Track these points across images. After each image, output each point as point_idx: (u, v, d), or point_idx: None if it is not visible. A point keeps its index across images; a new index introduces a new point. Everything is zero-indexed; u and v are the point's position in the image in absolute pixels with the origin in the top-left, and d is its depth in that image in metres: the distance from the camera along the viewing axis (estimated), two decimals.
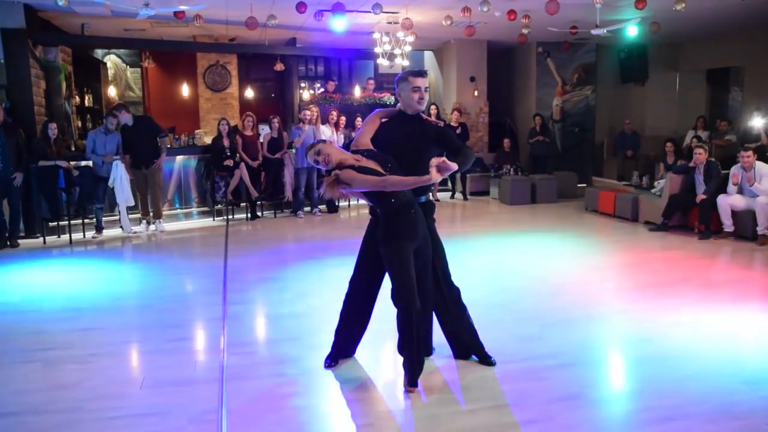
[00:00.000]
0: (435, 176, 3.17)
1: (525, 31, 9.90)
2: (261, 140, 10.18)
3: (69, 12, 9.41)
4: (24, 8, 8.94)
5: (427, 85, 3.81)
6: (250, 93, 15.45)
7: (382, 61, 11.16)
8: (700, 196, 8.11)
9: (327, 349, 4.15)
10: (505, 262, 7.03)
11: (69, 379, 3.99)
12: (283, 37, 12.44)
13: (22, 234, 8.63)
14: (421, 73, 3.77)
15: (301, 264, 7.21)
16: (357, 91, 12.99)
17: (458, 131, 11.50)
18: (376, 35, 10.71)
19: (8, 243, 8.17)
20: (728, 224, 7.94)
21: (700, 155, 8.27)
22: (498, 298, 5.53)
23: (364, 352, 4.27)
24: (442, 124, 3.98)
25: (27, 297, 5.96)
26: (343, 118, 10.54)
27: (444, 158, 3.19)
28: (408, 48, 11.00)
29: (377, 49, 10.90)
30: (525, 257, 7.23)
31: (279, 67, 12.82)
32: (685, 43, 14.21)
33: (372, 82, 12.93)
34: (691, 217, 8.50)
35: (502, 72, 14.41)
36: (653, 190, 9.25)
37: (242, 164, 9.67)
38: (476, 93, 13.29)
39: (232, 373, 3.97)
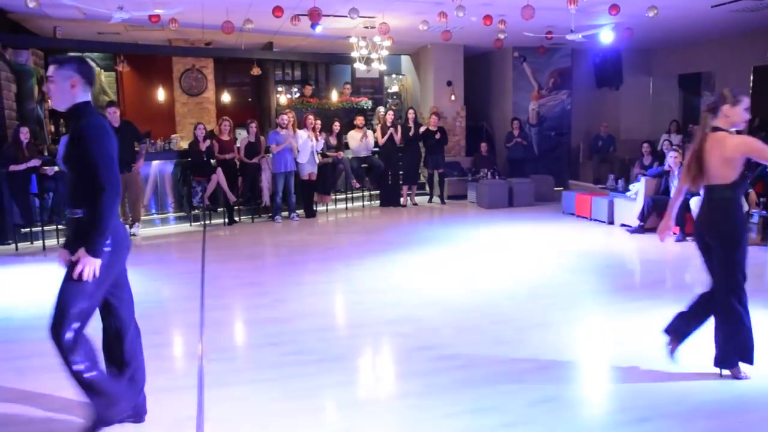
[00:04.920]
0: None
1: (501, 35, 9.97)
2: (238, 145, 10.12)
3: (41, 15, 9.27)
4: None
5: None
6: (226, 97, 15.37)
7: (359, 66, 11.17)
8: None
9: (308, 354, 4.13)
10: (482, 265, 7.06)
11: (43, 388, 3.92)
12: (260, 41, 12.39)
13: None
14: None
15: (279, 269, 7.19)
16: (334, 96, 12.98)
17: (437, 136, 11.55)
18: (353, 40, 10.72)
19: None
20: None
21: (675, 158, 8.38)
22: (475, 302, 5.55)
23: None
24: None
25: (1, 306, 5.86)
26: (318, 123, 10.51)
27: None
28: (385, 52, 11.03)
29: (354, 54, 10.92)
30: (502, 260, 7.28)
31: (255, 71, 12.77)
32: (658, 49, 14.44)
33: (349, 86, 12.94)
34: None
35: (479, 76, 14.51)
36: (629, 193, 9.37)
37: (219, 169, 9.61)
38: (453, 97, 13.35)
39: (211, 380, 3.93)
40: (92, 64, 14.59)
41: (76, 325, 3.01)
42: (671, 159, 8.46)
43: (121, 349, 3.31)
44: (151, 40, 12.40)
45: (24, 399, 3.74)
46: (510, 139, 12.84)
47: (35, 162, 8.41)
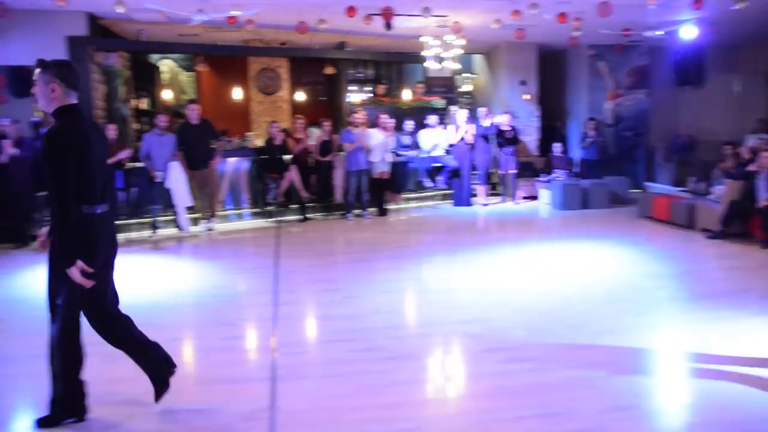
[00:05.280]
0: None
1: (576, 33, 9.76)
2: (312, 142, 10.30)
3: (127, 19, 9.71)
4: (86, 16, 9.31)
5: None
6: (300, 96, 15.64)
7: (431, 65, 11.16)
8: (763, 202, 7.84)
9: (379, 352, 4.17)
10: (555, 267, 6.93)
11: (125, 373, 4.10)
12: (333, 40, 12.56)
13: None
14: None
15: (350, 266, 7.28)
16: (406, 95, 13.01)
17: (510, 135, 11.42)
18: (425, 39, 10.71)
19: None
20: None
21: (767, 158, 7.95)
22: (548, 304, 5.46)
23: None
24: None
25: None
26: (392, 122, 10.57)
27: None
28: (458, 51, 10.97)
29: (426, 53, 10.91)
30: (576, 263, 7.12)
31: (329, 70, 12.97)
32: (745, 45, 13.77)
33: (421, 85, 12.92)
34: (751, 225, 8.20)
35: (553, 75, 14.21)
36: (710, 197, 8.99)
37: (293, 166, 9.81)
38: (527, 96, 13.15)
39: (283, 373, 4.03)
40: (173, 64, 15.12)
41: None
42: (763, 159, 8.01)
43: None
44: (228, 41, 12.76)
45: (110, 381, 3.94)
46: (584, 139, 12.54)
47: (127, 153, 8.80)
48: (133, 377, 3.99)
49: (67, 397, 3.37)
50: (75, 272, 3.13)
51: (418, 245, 8.30)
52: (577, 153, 13.03)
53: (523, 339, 4.61)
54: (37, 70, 3.28)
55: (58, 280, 3.26)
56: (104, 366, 4.24)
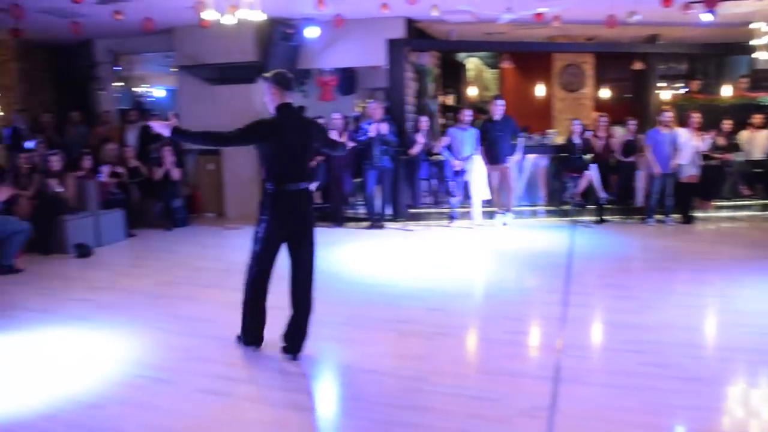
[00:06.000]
0: None
1: None
2: (615, 141, 9.85)
3: (440, 21, 10.32)
4: (404, 21, 10.14)
5: None
6: (604, 93, 15.02)
7: (762, 55, 9.83)
8: None
9: (671, 369, 3.87)
10: None
11: (416, 351, 4.44)
12: (643, 33, 11.78)
13: (388, 217, 9.80)
14: None
15: (646, 274, 6.81)
16: (726, 91, 11.67)
17: None
18: (755, 25, 9.46)
19: (377, 224, 9.38)
20: None
21: None
22: None
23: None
24: None
25: (387, 273, 6.82)
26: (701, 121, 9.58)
27: None
28: None
29: (756, 42, 9.64)
30: None
31: (637, 65, 12.23)
32: None
33: (746, 80, 11.46)
34: None
35: None
36: None
37: (593, 165, 9.50)
38: None
39: (566, 375, 3.96)
40: (479, 62, 15.65)
41: None
42: None
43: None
44: (534, 38, 12.78)
45: (401, 357, 4.30)
46: None
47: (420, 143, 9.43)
48: (420, 356, 4.30)
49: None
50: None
51: (728, 259, 7.39)
52: None
53: None
54: (261, 80, 4.34)
55: None
56: (398, 342, 4.65)
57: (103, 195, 8.72)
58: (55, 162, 8.19)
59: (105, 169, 9.07)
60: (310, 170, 4.42)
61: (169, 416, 3.54)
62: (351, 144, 9.14)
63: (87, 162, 8.92)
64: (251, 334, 4.39)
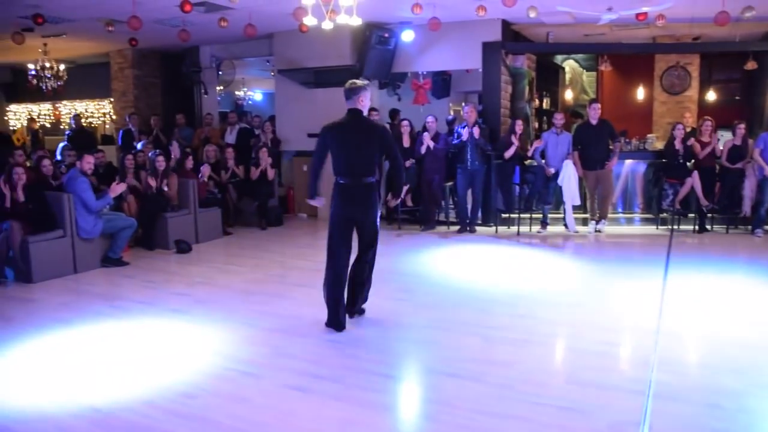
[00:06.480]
0: None
1: None
2: (720, 147, 9.32)
3: (537, 23, 10.13)
4: (501, 23, 10.01)
5: None
6: (711, 96, 14.25)
7: None
8: None
9: None
10: None
11: (503, 357, 4.39)
12: (759, 30, 11.10)
13: (479, 222, 9.71)
14: None
15: (750, 288, 6.40)
16: None
17: None
18: None
19: (468, 228, 9.31)
20: None
21: None
22: None
23: None
24: None
25: (476, 278, 6.75)
26: None
27: None
28: None
29: None
30: None
31: (750, 65, 11.54)
32: None
33: None
34: None
35: None
36: None
37: (695, 172, 9.04)
38: None
39: (660, 391, 3.80)
40: (576, 64, 15.23)
41: None
42: None
43: None
44: (635, 39, 12.32)
45: (487, 363, 4.26)
46: None
47: (514, 147, 9.26)
48: (508, 363, 4.24)
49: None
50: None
51: None
52: None
53: None
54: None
55: None
56: (484, 347, 4.61)
57: (202, 194, 9.13)
58: (161, 162, 8.65)
59: (204, 169, 9.48)
60: (372, 167, 4.90)
61: (257, 410, 3.66)
62: (410, 163, 9.27)
63: (189, 162, 9.36)
64: (331, 314, 4.94)
